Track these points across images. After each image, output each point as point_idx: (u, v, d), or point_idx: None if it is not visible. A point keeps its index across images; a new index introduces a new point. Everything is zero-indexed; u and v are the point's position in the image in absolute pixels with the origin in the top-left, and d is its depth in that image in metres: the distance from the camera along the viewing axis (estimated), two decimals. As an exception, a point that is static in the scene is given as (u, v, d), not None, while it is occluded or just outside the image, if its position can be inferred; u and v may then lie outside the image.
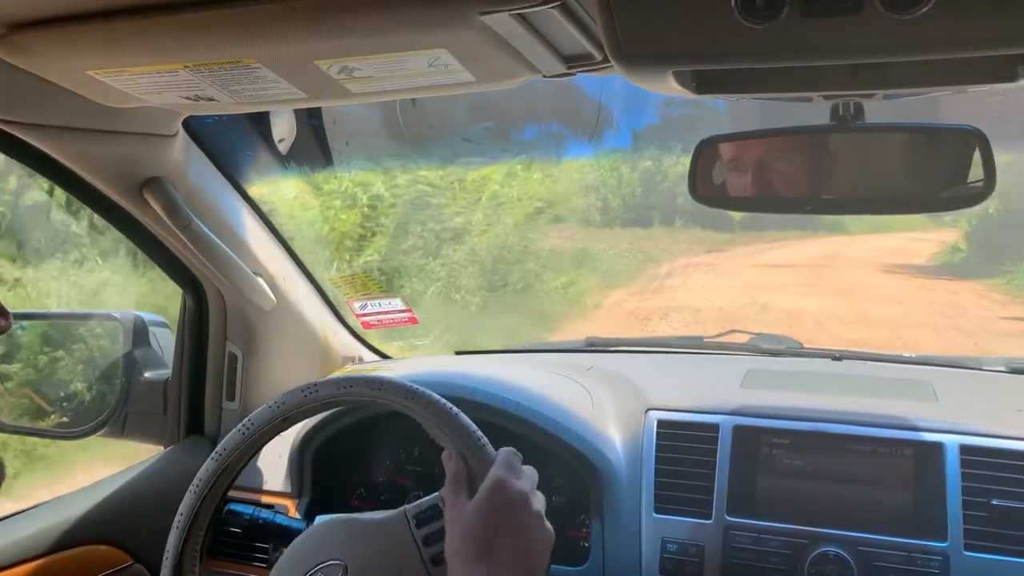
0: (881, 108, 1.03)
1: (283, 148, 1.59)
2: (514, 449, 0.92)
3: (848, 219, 7.31)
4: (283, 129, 1.57)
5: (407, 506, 0.97)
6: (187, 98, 0.98)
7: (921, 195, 1.01)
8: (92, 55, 0.89)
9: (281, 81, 0.91)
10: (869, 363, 1.65)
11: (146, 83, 0.94)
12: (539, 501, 0.88)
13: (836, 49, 0.67)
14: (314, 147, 1.72)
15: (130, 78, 0.93)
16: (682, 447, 1.26)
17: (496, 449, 0.92)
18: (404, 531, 0.95)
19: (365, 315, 1.83)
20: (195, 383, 1.57)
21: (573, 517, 1.34)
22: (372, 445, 1.52)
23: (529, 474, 0.90)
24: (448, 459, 0.91)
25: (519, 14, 0.75)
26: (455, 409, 0.93)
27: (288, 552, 1.00)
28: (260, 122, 1.49)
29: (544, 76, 0.91)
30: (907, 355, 1.73)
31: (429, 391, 0.94)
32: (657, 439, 1.28)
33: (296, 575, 0.97)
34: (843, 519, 1.16)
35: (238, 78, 0.91)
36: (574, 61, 0.88)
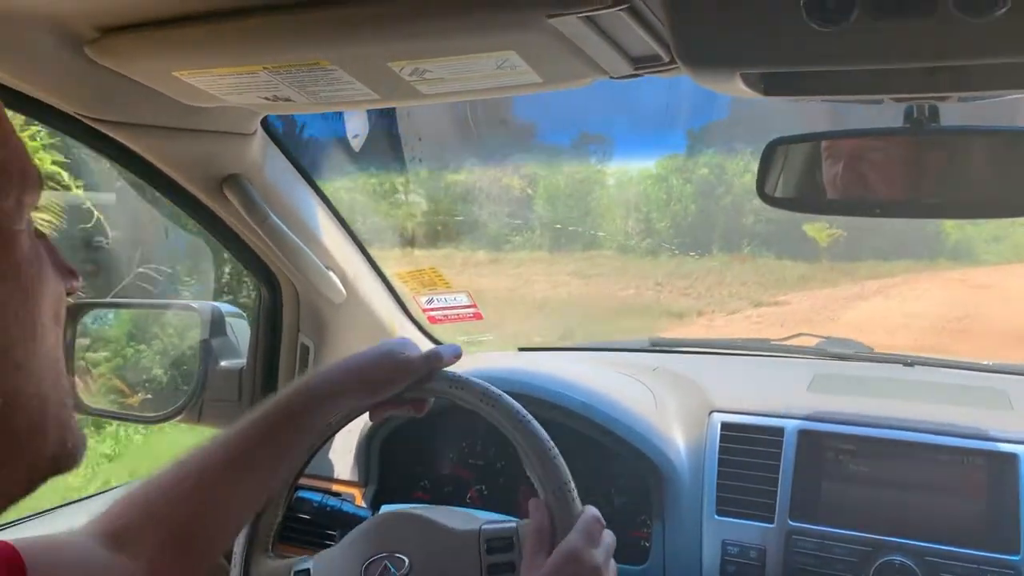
0: (956, 110, 1.01)
1: (356, 145, 1.63)
2: (598, 514, 0.91)
3: (980, 245, 6.34)
4: (356, 126, 1.61)
5: (484, 525, 0.97)
6: (265, 98, 1.02)
7: (1006, 199, 0.98)
8: (177, 57, 0.93)
9: (355, 82, 0.94)
10: (941, 369, 1.61)
11: (227, 84, 0.98)
12: (612, 572, 0.88)
13: (907, 52, 0.67)
14: (386, 145, 1.76)
15: (212, 79, 0.97)
16: (746, 450, 1.25)
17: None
18: (473, 550, 0.96)
19: (431, 309, 1.86)
20: (269, 373, 1.62)
21: (634, 517, 1.35)
22: (436, 438, 1.55)
23: (608, 543, 0.90)
24: (535, 509, 0.91)
25: (587, 16, 0.76)
26: (554, 450, 0.92)
27: (354, 535, 1.03)
28: (335, 120, 1.53)
29: (611, 77, 0.92)
30: (982, 362, 1.68)
31: (532, 420, 0.94)
32: (721, 441, 1.27)
33: (358, 559, 1.00)
34: (910, 528, 1.13)
35: (315, 79, 0.94)
36: (641, 62, 0.88)
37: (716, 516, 1.23)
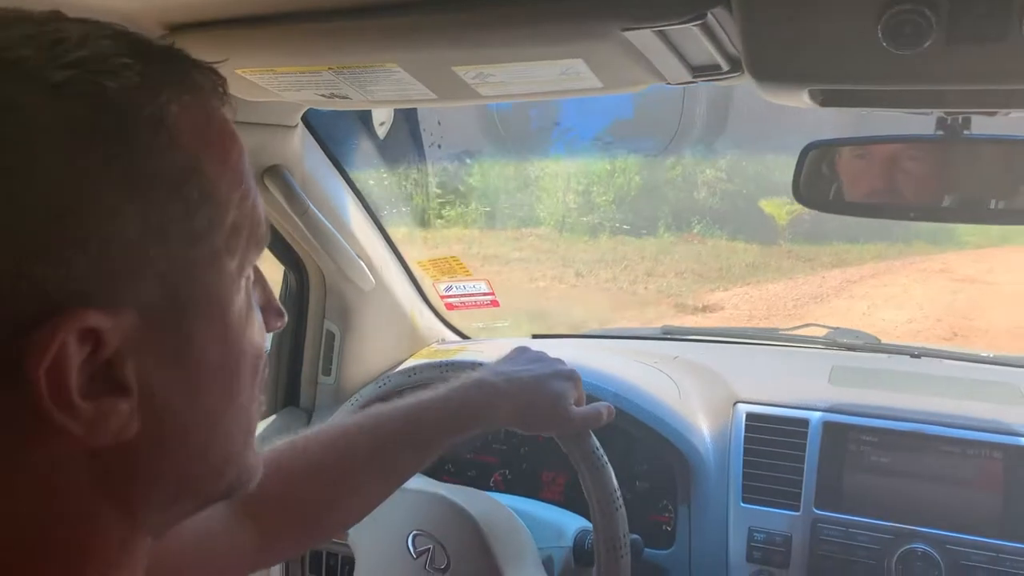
0: (985, 119, 1.05)
1: (382, 132, 1.65)
2: None
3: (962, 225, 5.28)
4: (383, 114, 1.63)
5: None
6: (322, 95, 1.04)
7: (1028, 206, 1.03)
8: (243, 55, 0.94)
9: (416, 84, 0.96)
10: (947, 361, 1.66)
11: (287, 81, 0.99)
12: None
13: (978, 75, 0.70)
14: (407, 135, 1.78)
15: (273, 76, 0.98)
16: (771, 440, 1.30)
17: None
18: None
19: (449, 297, 1.89)
20: (293, 358, 1.64)
21: (656, 503, 1.39)
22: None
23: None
24: None
25: (662, 31, 0.78)
26: (619, 501, 0.95)
27: (398, 504, 1.06)
28: (364, 112, 1.55)
29: (669, 84, 0.94)
30: (985, 354, 1.73)
31: (607, 466, 0.97)
32: (746, 431, 1.32)
33: (402, 531, 1.04)
34: (931, 517, 1.19)
35: (376, 79, 0.96)
36: (701, 71, 0.91)
37: (742, 504, 1.28)
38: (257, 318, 0.53)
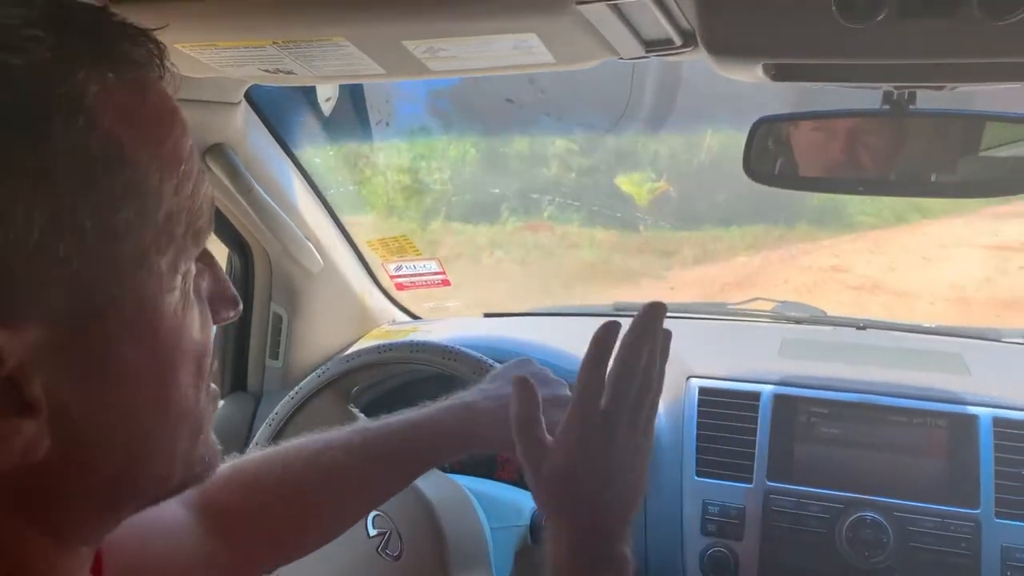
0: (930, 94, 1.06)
1: (327, 109, 1.61)
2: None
3: (852, 203, 4.55)
4: (328, 89, 1.59)
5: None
6: (266, 71, 1.00)
7: (975, 179, 1.05)
8: (182, 29, 0.90)
9: (364, 58, 0.94)
10: (893, 332, 1.70)
11: (229, 57, 0.96)
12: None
13: (929, 49, 0.70)
14: (352, 112, 1.74)
15: (215, 51, 0.95)
16: (724, 414, 1.31)
17: None
18: None
19: (399, 277, 1.86)
20: (240, 342, 1.61)
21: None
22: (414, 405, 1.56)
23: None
24: None
25: (615, 4, 0.77)
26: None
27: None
28: (308, 88, 1.51)
29: (622, 59, 0.93)
30: (928, 325, 1.78)
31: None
32: (699, 406, 1.33)
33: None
34: (879, 486, 1.21)
35: (323, 54, 0.93)
36: (653, 46, 0.90)
37: (696, 477, 1.29)
38: (199, 314, 0.48)
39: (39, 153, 0.37)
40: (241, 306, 0.53)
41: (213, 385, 0.52)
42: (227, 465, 0.79)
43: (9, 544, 0.42)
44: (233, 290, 0.53)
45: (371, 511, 0.90)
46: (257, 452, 0.82)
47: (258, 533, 0.77)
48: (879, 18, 0.67)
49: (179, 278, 0.45)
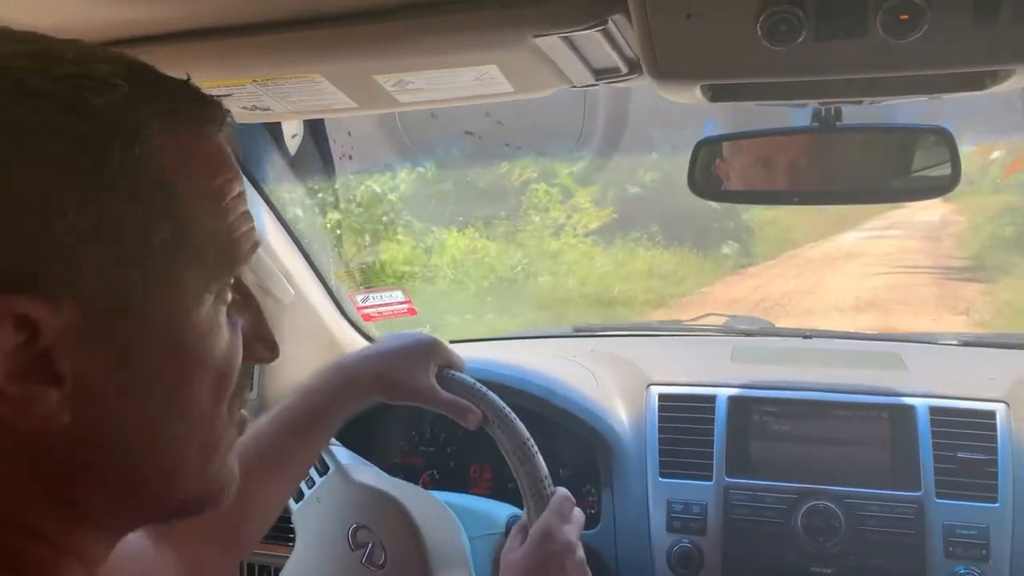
0: (856, 110, 1.17)
1: (293, 146, 1.68)
2: (567, 493, 0.98)
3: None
4: (294, 126, 1.66)
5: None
6: (244, 108, 1.07)
7: (897, 186, 1.15)
8: (167, 70, 0.97)
9: (338, 92, 1.01)
10: (837, 340, 1.81)
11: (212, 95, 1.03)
12: (581, 548, 0.95)
13: (843, 66, 0.80)
14: (315, 150, 1.81)
15: (196, 91, 1.02)
16: (682, 417, 1.39)
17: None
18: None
19: (366, 307, 1.92)
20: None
21: (580, 487, 1.46)
22: (388, 429, 1.62)
23: (579, 519, 0.97)
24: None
25: (566, 36, 0.86)
26: (534, 447, 1.00)
27: (338, 496, 1.09)
28: (274, 125, 1.57)
29: (574, 87, 1.02)
30: (869, 333, 1.90)
31: (515, 418, 1.01)
32: (659, 411, 1.41)
33: (343, 522, 1.08)
34: (829, 476, 1.30)
35: (298, 90, 1.01)
36: (602, 74, 0.99)
37: (660, 479, 1.36)
38: (226, 338, 0.53)
39: (97, 166, 0.45)
40: (279, 352, 0.59)
41: (244, 412, 0.57)
42: None
43: (27, 508, 0.48)
44: (272, 336, 0.59)
45: (295, 484, 0.99)
46: None
47: (199, 538, 0.83)
48: (799, 40, 0.77)
49: (208, 298, 0.51)
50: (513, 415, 1.01)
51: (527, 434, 1.01)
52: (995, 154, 6.67)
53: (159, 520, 0.57)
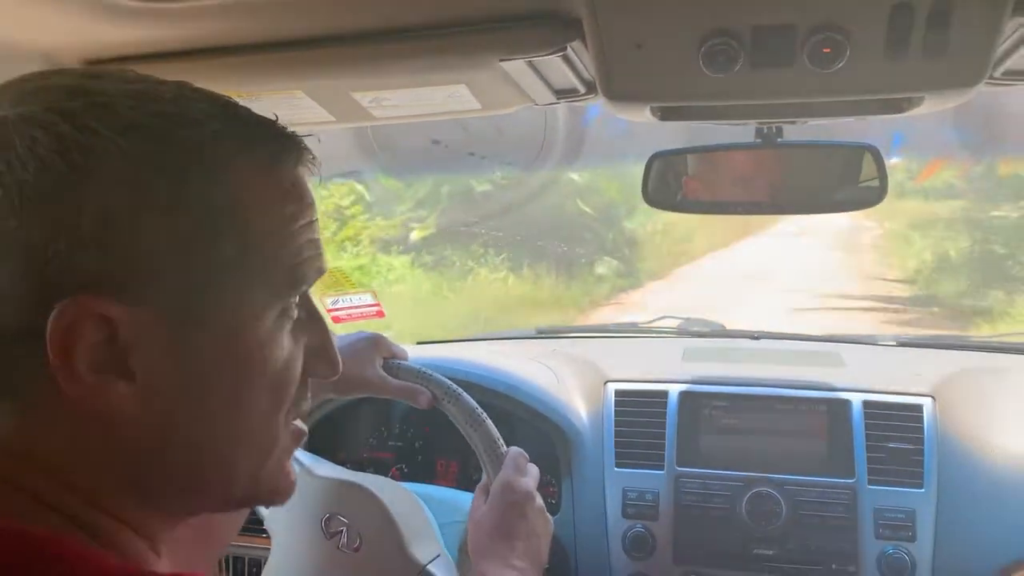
0: (796, 128, 1.27)
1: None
2: (521, 450, 1.06)
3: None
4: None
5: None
6: (228, 120, 1.14)
7: (836, 198, 1.26)
8: None
9: (316, 107, 1.09)
10: (783, 341, 1.92)
11: (197, 108, 1.10)
12: (540, 497, 1.04)
13: (774, 92, 0.90)
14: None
15: (184, 104, 1.09)
16: (637, 412, 1.49)
17: (508, 445, 1.08)
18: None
19: (336, 310, 1.99)
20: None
21: (541, 478, 1.54)
22: (357, 426, 1.69)
23: (535, 471, 1.05)
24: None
25: (530, 60, 0.95)
26: (484, 415, 1.07)
27: (311, 489, 1.16)
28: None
29: (536, 105, 1.11)
30: (814, 334, 2.01)
31: (463, 392, 1.08)
32: (616, 406, 1.50)
33: (316, 513, 1.15)
34: (772, 465, 1.40)
35: (279, 105, 1.08)
36: (562, 93, 1.08)
37: (616, 468, 1.45)
38: (288, 352, 0.58)
39: (175, 188, 0.52)
40: (340, 370, 0.64)
41: (300, 423, 0.63)
42: None
43: (99, 490, 0.54)
44: (335, 355, 0.63)
45: None
46: None
47: (186, 534, 0.90)
48: (736, 69, 0.87)
49: (271, 314, 0.56)
50: (460, 389, 1.09)
51: (475, 403, 1.08)
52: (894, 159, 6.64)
53: (216, 510, 0.62)
